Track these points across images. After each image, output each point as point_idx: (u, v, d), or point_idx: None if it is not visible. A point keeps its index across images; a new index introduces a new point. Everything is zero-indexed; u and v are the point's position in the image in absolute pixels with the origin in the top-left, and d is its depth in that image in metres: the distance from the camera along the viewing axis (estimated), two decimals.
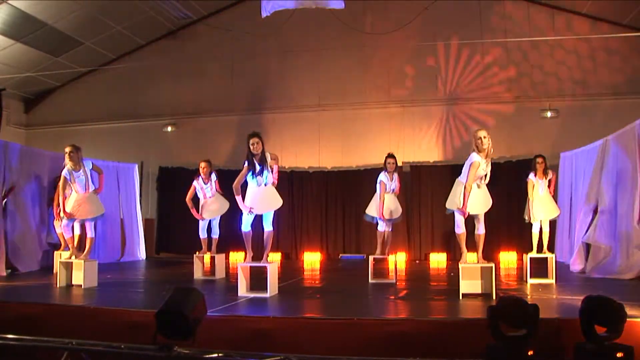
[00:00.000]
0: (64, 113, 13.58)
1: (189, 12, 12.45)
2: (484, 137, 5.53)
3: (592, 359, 3.29)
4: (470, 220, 5.87)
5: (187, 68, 12.85)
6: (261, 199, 5.94)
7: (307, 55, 12.15)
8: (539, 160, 7.28)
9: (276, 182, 6.16)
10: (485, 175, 5.72)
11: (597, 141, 8.58)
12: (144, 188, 12.46)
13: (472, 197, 5.61)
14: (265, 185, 5.97)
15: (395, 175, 7.45)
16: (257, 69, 12.59)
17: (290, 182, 12.03)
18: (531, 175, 7.31)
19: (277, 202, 6.10)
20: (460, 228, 5.80)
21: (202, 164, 7.91)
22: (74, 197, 6.88)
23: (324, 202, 12.00)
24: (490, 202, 5.83)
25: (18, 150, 8.94)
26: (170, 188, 12.57)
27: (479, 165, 5.54)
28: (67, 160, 6.73)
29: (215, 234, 8.02)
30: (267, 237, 6.10)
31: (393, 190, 7.41)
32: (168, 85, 12.99)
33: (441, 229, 11.22)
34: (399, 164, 11.37)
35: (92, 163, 7.04)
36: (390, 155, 7.47)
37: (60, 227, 7.82)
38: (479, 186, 5.72)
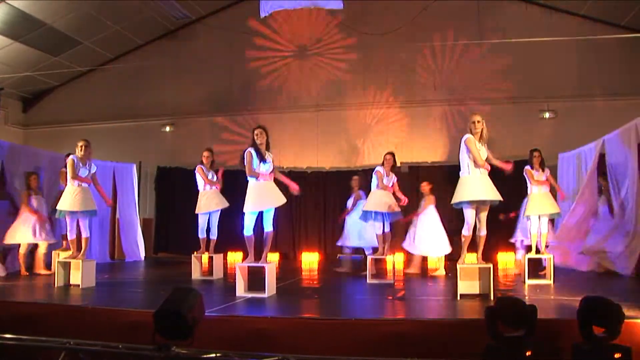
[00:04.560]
0: (63, 113, 13.57)
1: (187, 12, 12.45)
2: (477, 122, 5.59)
3: (590, 359, 3.29)
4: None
5: (186, 68, 12.85)
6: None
7: (306, 55, 12.16)
8: (536, 154, 7.36)
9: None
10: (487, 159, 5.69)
11: (593, 142, 8.64)
12: (142, 188, 12.44)
13: (477, 183, 5.58)
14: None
15: (393, 178, 7.56)
16: (255, 69, 12.59)
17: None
18: (527, 167, 7.38)
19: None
20: (467, 230, 5.74)
21: (205, 153, 7.97)
22: (68, 190, 6.73)
23: (323, 202, 12.00)
24: (496, 192, 5.62)
25: (12, 148, 8.92)
26: (169, 188, 12.57)
27: (474, 141, 5.57)
28: (79, 151, 6.74)
29: (214, 235, 7.93)
30: (267, 238, 6.08)
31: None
32: (167, 85, 12.98)
33: None
34: (397, 164, 11.43)
35: (95, 169, 6.97)
36: (388, 152, 7.71)
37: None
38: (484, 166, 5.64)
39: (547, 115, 11.13)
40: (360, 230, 8.46)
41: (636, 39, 10.30)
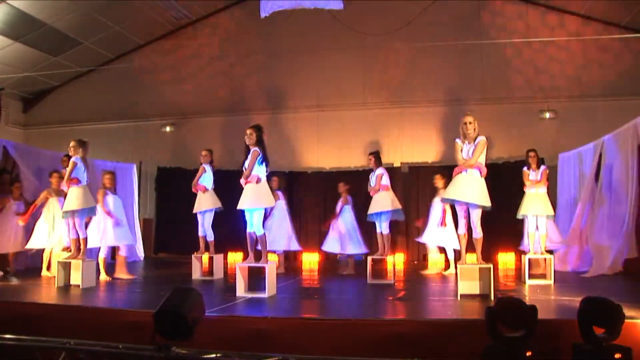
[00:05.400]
0: (63, 113, 13.56)
1: (187, 12, 12.44)
2: (469, 123, 5.78)
3: None
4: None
5: (186, 68, 12.85)
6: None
7: (306, 55, 12.14)
8: (531, 154, 7.48)
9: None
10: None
11: (593, 142, 8.65)
12: (143, 188, 12.45)
13: (454, 182, 5.66)
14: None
15: (376, 172, 7.65)
16: (255, 70, 12.58)
17: (288, 183, 12.02)
18: (524, 168, 7.50)
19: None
20: (461, 228, 5.80)
21: (203, 152, 8.18)
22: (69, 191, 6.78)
23: (323, 202, 11.98)
24: (465, 194, 5.59)
25: (14, 148, 8.93)
26: (169, 188, 12.55)
27: (457, 143, 5.81)
28: (72, 152, 6.80)
29: (210, 237, 7.96)
30: (261, 241, 6.06)
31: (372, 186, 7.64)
32: (167, 86, 12.97)
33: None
34: (397, 164, 11.44)
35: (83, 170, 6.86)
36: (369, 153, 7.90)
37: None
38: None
39: (547, 115, 11.12)
40: (277, 232, 8.54)
41: (636, 39, 10.29)
